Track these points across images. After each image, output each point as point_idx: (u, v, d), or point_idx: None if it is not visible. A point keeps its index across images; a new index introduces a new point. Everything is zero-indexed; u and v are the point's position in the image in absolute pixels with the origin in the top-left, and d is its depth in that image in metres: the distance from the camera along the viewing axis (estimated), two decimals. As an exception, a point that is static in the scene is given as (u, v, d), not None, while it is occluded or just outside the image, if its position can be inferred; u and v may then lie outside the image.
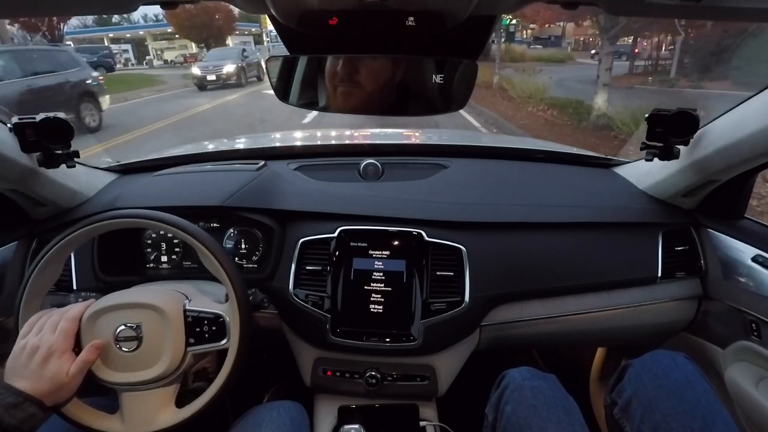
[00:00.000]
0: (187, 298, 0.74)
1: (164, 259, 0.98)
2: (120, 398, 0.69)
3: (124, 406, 0.69)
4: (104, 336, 0.67)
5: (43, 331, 0.64)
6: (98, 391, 0.71)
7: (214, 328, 0.70)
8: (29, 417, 0.57)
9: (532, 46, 25.30)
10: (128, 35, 32.44)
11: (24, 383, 0.59)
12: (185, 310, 0.71)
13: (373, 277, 0.88)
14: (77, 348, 0.66)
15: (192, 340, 0.70)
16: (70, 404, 0.65)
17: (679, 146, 0.82)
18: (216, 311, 0.71)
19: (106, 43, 29.13)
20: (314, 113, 6.52)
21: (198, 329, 0.70)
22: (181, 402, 0.72)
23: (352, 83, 0.56)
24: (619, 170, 1.10)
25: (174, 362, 0.68)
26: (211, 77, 12.71)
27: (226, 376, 0.69)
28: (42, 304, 0.72)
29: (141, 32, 31.63)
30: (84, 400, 0.69)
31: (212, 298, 0.78)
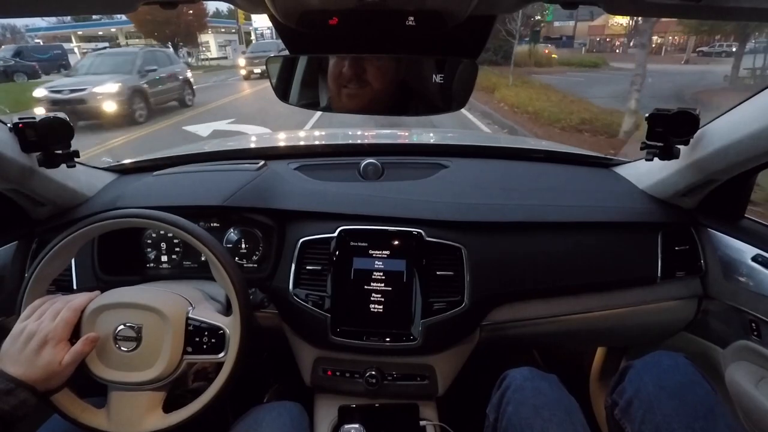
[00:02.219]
0: (191, 304, 0.73)
1: (164, 258, 0.98)
2: (109, 395, 0.69)
3: (112, 403, 0.69)
4: (104, 332, 0.67)
5: (44, 318, 0.64)
6: (95, 391, 0.71)
7: (213, 340, 0.70)
8: (21, 403, 0.58)
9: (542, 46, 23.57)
10: (100, 32, 29.96)
11: (17, 368, 0.60)
12: (188, 318, 0.70)
13: (373, 276, 0.88)
14: (74, 338, 0.66)
15: (189, 349, 0.70)
16: (59, 394, 0.66)
17: (679, 146, 0.82)
18: (218, 323, 0.71)
19: (74, 41, 26.66)
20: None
21: (197, 339, 0.70)
22: (180, 402, 0.72)
23: (360, 82, 0.56)
24: (619, 170, 1.10)
25: (169, 368, 0.68)
26: None
27: (218, 388, 0.69)
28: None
29: (113, 29, 28.93)
30: (85, 400, 0.69)
31: (215, 306, 0.78)
